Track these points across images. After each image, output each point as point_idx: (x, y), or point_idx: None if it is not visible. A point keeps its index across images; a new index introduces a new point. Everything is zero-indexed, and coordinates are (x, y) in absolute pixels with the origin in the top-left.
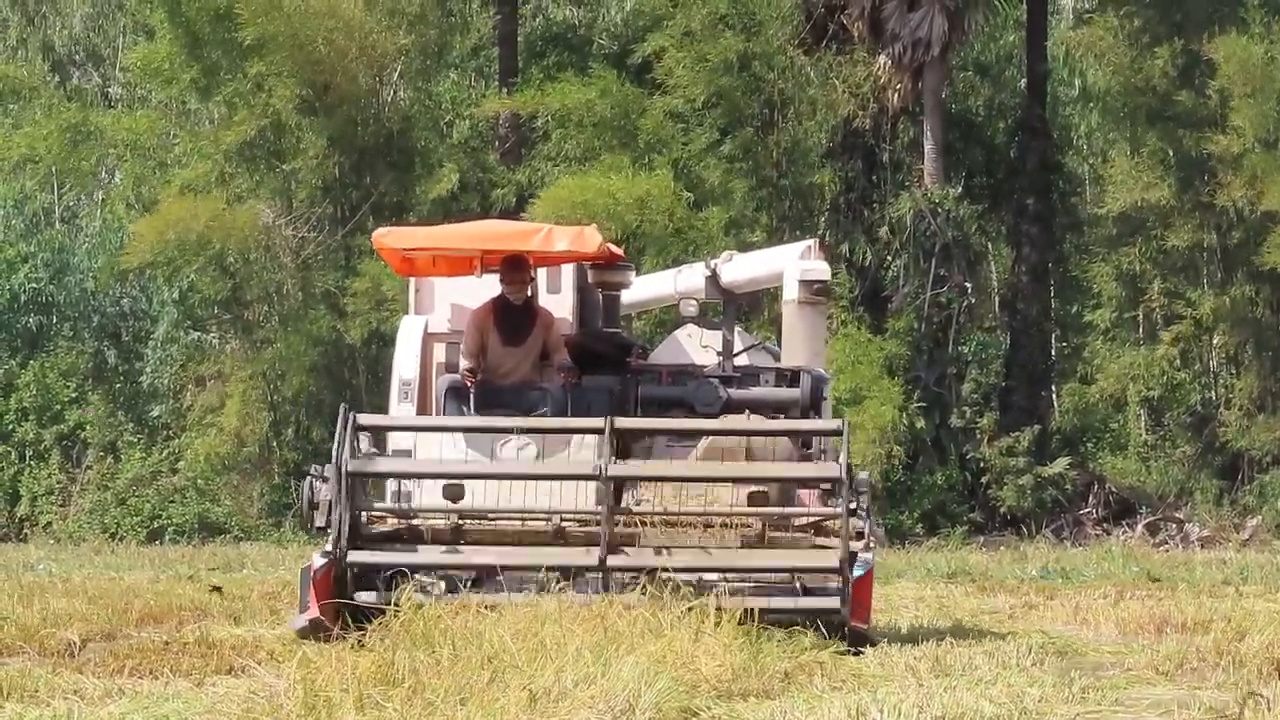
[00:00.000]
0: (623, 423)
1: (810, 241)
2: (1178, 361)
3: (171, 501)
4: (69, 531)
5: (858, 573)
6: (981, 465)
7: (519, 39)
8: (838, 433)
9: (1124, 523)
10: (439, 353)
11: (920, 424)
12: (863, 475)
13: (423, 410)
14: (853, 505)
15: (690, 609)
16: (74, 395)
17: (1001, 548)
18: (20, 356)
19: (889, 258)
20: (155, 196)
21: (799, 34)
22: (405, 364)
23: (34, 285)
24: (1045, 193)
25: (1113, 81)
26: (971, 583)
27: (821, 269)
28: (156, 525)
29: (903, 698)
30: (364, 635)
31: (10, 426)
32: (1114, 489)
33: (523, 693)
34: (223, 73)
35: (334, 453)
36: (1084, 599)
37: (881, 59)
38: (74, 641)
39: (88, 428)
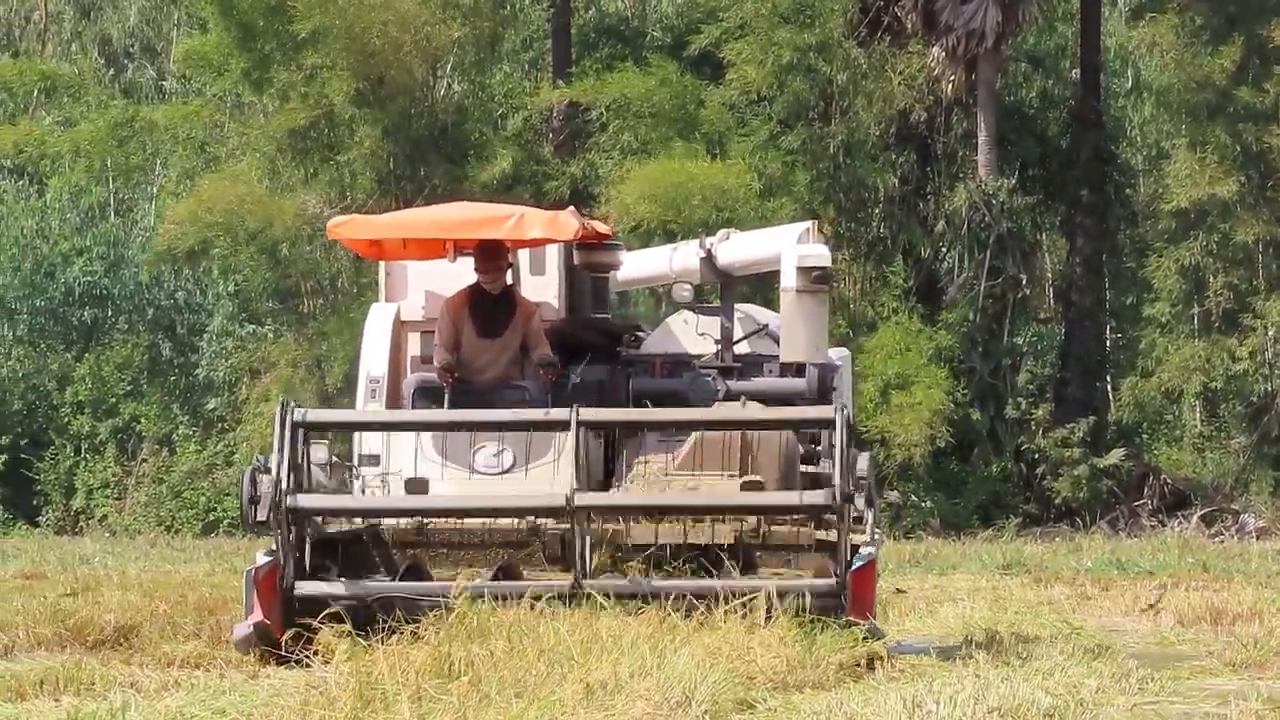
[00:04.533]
0: (588, 414)
1: (809, 224)
2: (1240, 353)
3: (227, 494)
4: (124, 524)
5: (857, 564)
6: (1036, 456)
7: (571, 30)
8: (829, 423)
9: (1179, 514)
10: (412, 344)
11: (975, 415)
12: (864, 459)
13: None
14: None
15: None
16: (129, 388)
17: (1057, 539)
18: (76, 350)
19: (944, 249)
20: (203, 183)
21: (854, 26)
22: (373, 358)
23: (89, 279)
24: (1099, 184)
25: (1174, 77)
26: (1027, 574)
27: (821, 254)
28: (212, 518)
29: (959, 689)
30: (417, 629)
31: (66, 420)
32: (1169, 480)
33: (579, 685)
34: (275, 65)
35: (273, 452)
36: (1141, 590)
37: (935, 51)
38: (109, 625)
39: (143, 421)
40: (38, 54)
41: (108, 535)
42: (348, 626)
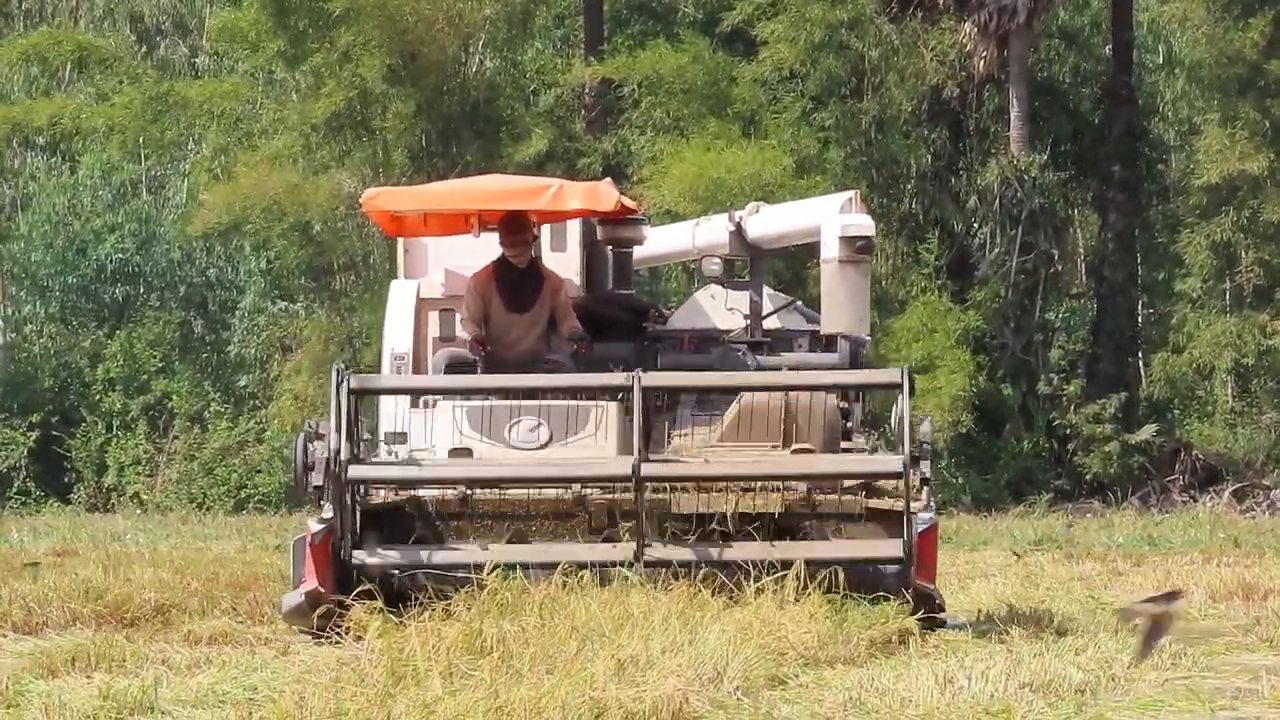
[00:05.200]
0: (651, 379)
1: (851, 193)
2: (1270, 328)
3: (258, 471)
4: (156, 501)
5: (920, 529)
6: (1068, 432)
7: (604, 7)
8: (897, 386)
9: (1211, 490)
10: (432, 323)
11: (1007, 391)
12: (925, 424)
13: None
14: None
15: (776, 577)
16: (161, 365)
17: (1088, 515)
18: (107, 327)
19: (976, 225)
20: (238, 166)
21: (886, 2)
22: (398, 334)
23: (121, 256)
24: (1131, 160)
25: (1204, 53)
26: (1058, 550)
27: (865, 224)
28: (243, 495)
29: (991, 664)
30: (449, 607)
31: (97, 397)
32: (1201, 456)
33: (610, 661)
34: (309, 42)
35: (330, 427)
36: (1173, 566)
37: (967, 26)
38: (145, 604)
39: (174, 398)
40: (70, 29)
41: (139, 512)
42: (379, 603)
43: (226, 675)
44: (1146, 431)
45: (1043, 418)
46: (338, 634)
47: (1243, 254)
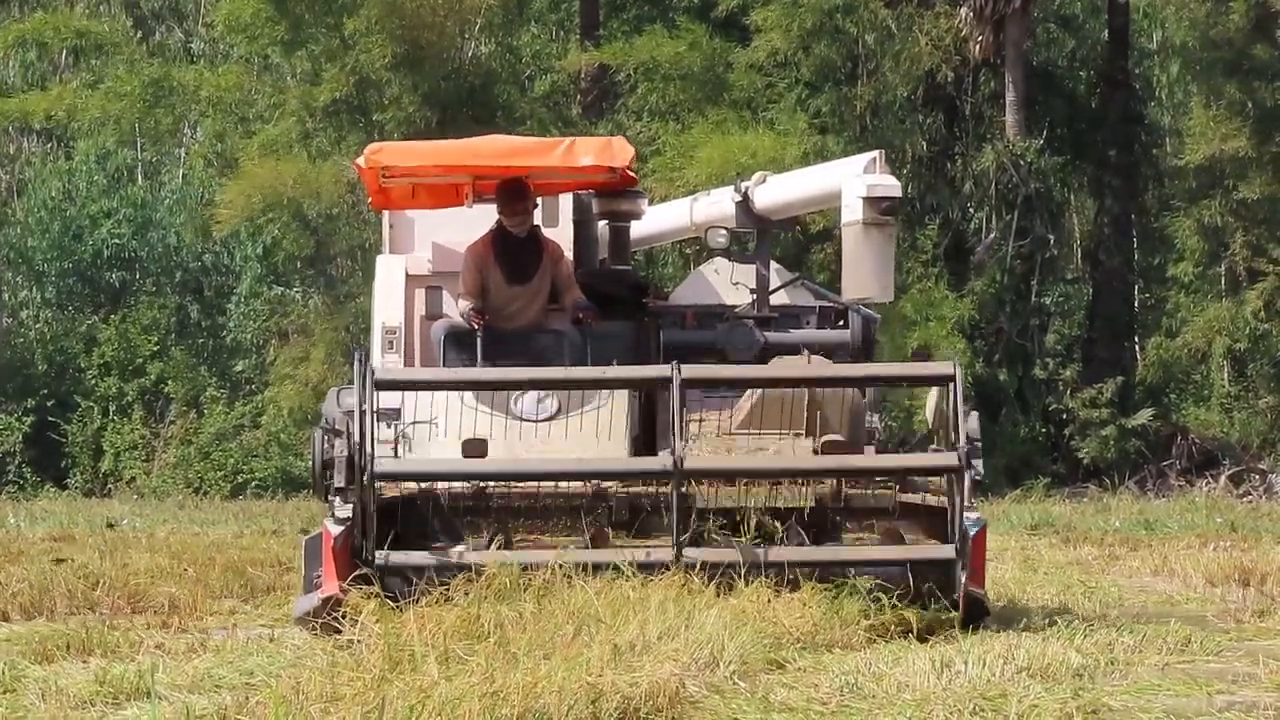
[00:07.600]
0: (691, 371)
1: (875, 154)
2: (1263, 314)
3: (255, 455)
4: (152, 487)
5: (973, 530)
6: (1064, 417)
7: None
8: (950, 378)
9: (1207, 474)
10: (418, 300)
11: (1003, 376)
12: (973, 419)
13: (410, 363)
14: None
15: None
16: (156, 350)
17: (1084, 499)
18: (103, 312)
19: (971, 210)
20: (236, 153)
21: None
22: (388, 309)
23: (117, 241)
24: (1127, 144)
25: (1189, 34)
26: (1055, 534)
27: (891, 184)
28: (240, 480)
29: (987, 649)
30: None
31: (93, 382)
32: (1197, 440)
33: (607, 646)
34: (307, 27)
35: (355, 408)
36: (1170, 550)
37: (963, 11)
38: (137, 589)
39: (170, 382)
40: (66, 15)
41: (136, 497)
42: (376, 588)
43: (222, 660)
44: (1143, 416)
45: (1039, 402)
46: (335, 620)
47: (1235, 237)
